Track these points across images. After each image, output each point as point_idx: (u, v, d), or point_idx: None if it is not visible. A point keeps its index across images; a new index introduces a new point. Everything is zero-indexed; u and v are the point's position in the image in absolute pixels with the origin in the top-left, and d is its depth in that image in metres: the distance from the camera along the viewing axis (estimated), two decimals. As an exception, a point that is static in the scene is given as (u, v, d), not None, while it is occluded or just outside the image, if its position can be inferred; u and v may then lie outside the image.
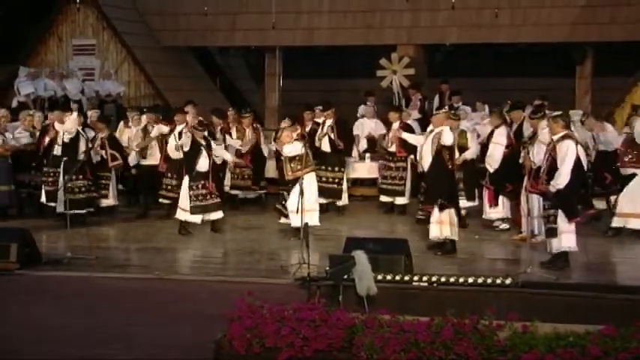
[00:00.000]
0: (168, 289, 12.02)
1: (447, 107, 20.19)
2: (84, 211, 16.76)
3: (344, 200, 17.75)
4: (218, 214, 15.87)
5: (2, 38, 27.17)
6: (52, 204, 16.74)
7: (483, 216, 15.95)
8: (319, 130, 17.50)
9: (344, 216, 17.64)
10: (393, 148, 17.32)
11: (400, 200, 17.53)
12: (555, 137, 12.89)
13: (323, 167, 17.19)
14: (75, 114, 16.99)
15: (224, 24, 25.72)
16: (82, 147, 16.72)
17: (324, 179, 17.19)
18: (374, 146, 19.31)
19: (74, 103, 21.39)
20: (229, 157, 16.70)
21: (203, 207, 15.62)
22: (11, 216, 16.94)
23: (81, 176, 16.60)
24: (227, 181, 18.28)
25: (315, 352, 8.08)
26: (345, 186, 17.69)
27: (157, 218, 17.12)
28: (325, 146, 17.39)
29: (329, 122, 17.53)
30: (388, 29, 24.48)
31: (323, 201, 17.23)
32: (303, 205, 13.79)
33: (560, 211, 12.69)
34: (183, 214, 15.61)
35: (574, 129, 14.06)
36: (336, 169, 17.47)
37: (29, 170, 17.39)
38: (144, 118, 18.13)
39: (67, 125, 16.59)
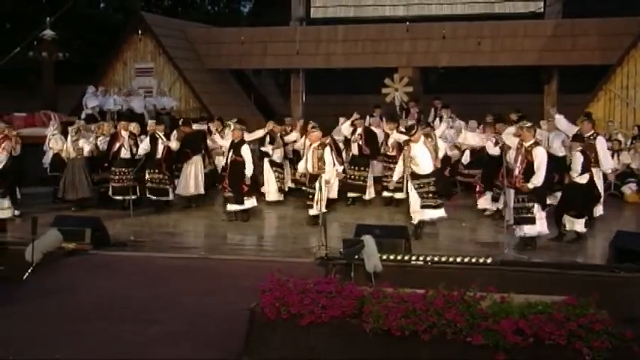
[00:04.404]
0: (211, 266, 11.99)
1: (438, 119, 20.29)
2: (162, 199, 16.96)
3: (370, 194, 17.33)
4: (233, 207, 15.60)
5: (80, 64, 27.29)
6: (118, 197, 16.75)
7: (478, 206, 15.91)
8: (352, 136, 17.18)
9: (360, 207, 17.23)
10: (393, 152, 17.09)
11: (399, 195, 17.34)
12: (528, 143, 12.80)
13: (352, 167, 16.92)
14: (147, 140, 16.93)
15: (257, 50, 25.76)
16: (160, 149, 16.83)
17: (351, 177, 16.94)
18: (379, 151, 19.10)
19: (160, 117, 21.42)
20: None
21: (225, 198, 15.68)
22: (87, 206, 16.92)
23: (157, 170, 16.72)
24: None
25: (331, 318, 8.02)
26: (370, 182, 17.21)
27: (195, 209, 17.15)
28: (354, 150, 17.03)
29: (359, 130, 17.15)
30: (391, 54, 24.48)
31: (352, 195, 17.16)
32: (322, 197, 13.74)
33: (536, 203, 12.64)
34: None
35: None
36: (362, 168, 17.02)
37: (104, 170, 17.36)
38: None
39: (142, 148, 16.68)
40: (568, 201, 13.42)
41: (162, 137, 16.82)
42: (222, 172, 16.14)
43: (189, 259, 12.52)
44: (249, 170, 15.44)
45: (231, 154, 15.55)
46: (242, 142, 15.67)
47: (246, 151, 15.57)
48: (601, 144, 14.53)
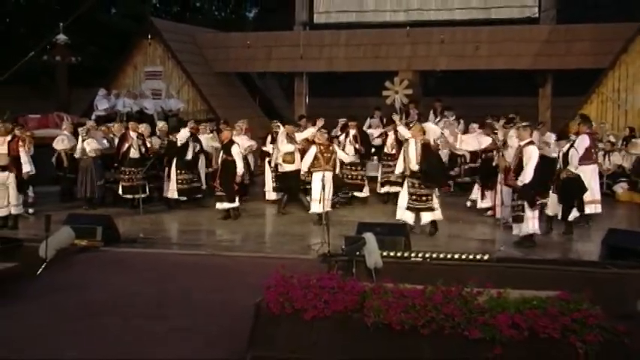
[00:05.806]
0: (217, 263, 11.99)
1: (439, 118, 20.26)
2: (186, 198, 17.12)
3: (365, 192, 17.47)
4: (223, 205, 15.73)
5: (92, 67, 27.31)
6: (128, 196, 16.77)
7: (478, 206, 15.93)
8: (345, 137, 17.27)
9: (361, 205, 17.28)
10: (392, 151, 17.15)
11: (395, 189, 17.40)
12: (522, 143, 12.85)
13: (348, 166, 16.96)
14: (187, 128, 17.03)
15: (262, 54, 25.74)
16: (191, 150, 16.96)
17: (348, 176, 17.02)
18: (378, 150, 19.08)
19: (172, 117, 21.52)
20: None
21: (217, 197, 15.83)
22: (99, 205, 16.93)
23: (188, 171, 16.80)
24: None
25: (333, 313, 8.01)
26: (365, 181, 17.41)
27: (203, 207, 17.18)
28: (349, 150, 17.03)
29: (352, 132, 17.26)
30: (392, 58, 24.42)
31: (347, 194, 17.19)
32: (325, 195, 13.73)
33: (525, 201, 12.65)
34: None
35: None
36: (358, 168, 17.25)
37: (112, 169, 17.39)
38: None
39: (181, 134, 16.78)
40: (571, 194, 13.45)
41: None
42: (213, 171, 16.36)
43: (197, 255, 12.50)
44: (239, 169, 15.60)
45: (221, 154, 15.70)
46: (231, 142, 15.87)
47: (236, 151, 15.72)
48: (581, 141, 14.52)
